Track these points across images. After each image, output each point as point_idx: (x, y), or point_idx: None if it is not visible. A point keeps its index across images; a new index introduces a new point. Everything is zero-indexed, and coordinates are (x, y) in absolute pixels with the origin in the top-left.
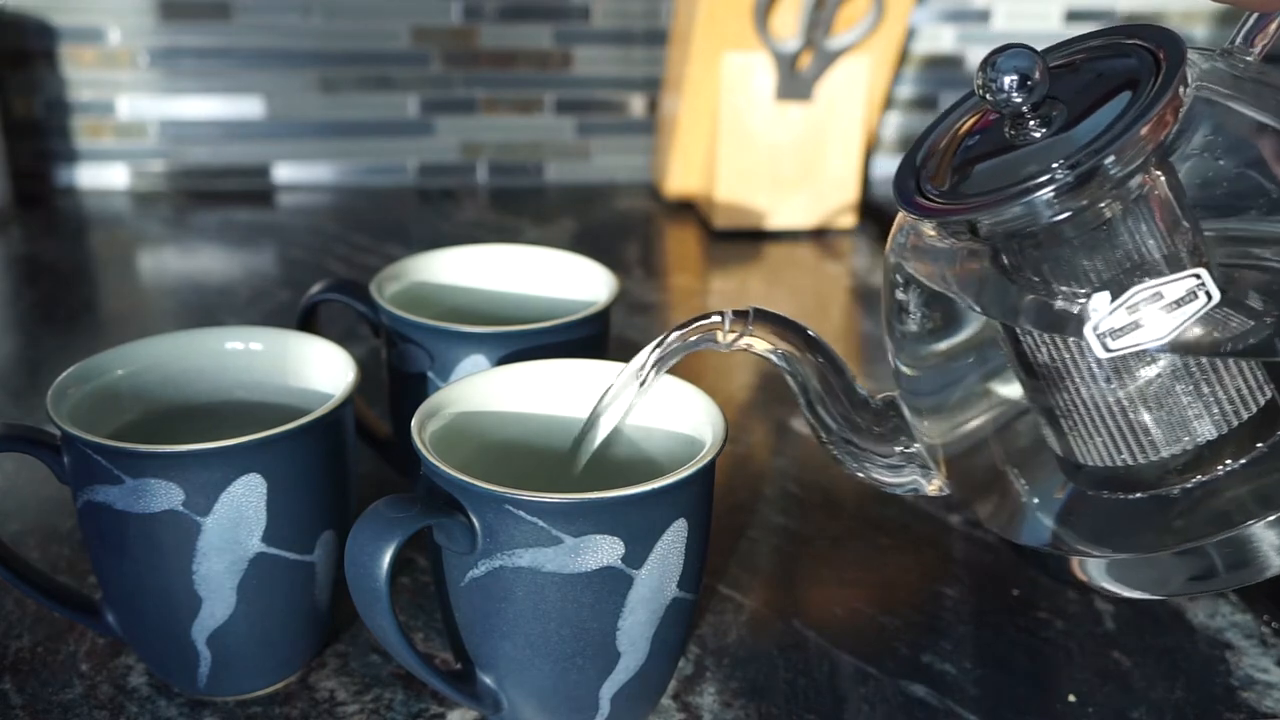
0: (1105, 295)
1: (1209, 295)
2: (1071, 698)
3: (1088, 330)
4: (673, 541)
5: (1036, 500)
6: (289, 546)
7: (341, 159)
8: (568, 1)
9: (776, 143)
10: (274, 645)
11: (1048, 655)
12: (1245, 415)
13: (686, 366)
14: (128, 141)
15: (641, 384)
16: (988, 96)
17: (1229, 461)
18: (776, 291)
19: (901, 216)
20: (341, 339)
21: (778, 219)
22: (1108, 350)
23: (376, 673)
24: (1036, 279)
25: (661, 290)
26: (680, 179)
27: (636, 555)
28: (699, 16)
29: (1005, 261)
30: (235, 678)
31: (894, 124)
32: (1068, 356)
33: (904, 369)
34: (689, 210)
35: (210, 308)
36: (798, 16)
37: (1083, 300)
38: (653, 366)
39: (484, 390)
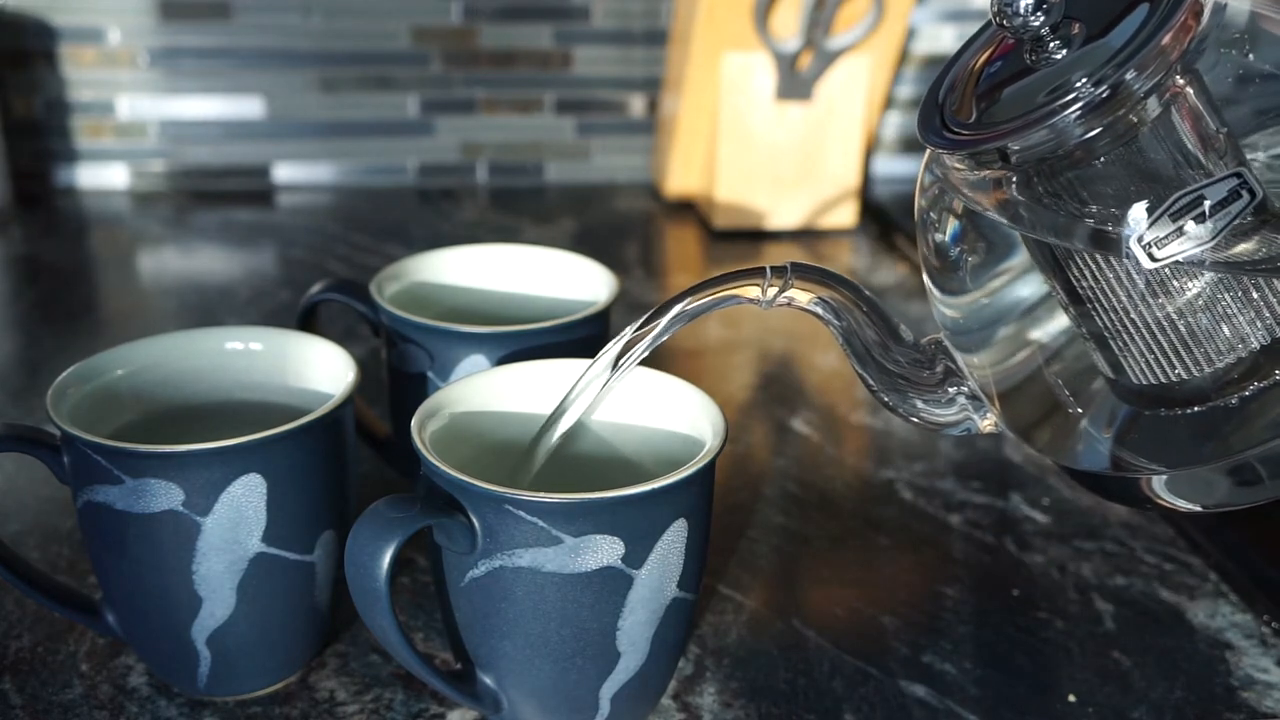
0: (1145, 206)
1: (1251, 193)
2: (1071, 698)
3: (1132, 243)
4: (673, 541)
5: (1092, 424)
6: (289, 546)
7: (341, 159)
8: (568, 1)
9: (776, 143)
10: (274, 645)
11: (1048, 655)
12: None
13: (686, 367)
14: (128, 141)
15: (654, 337)
16: (1004, 23)
17: None
18: None
19: (928, 157)
20: (341, 339)
21: (778, 219)
22: (1154, 260)
23: (376, 673)
24: (1073, 203)
25: (661, 290)
26: (680, 179)
27: (636, 555)
28: (699, 16)
29: (1040, 190)
30: (235, 678)
31: (894, 124)
32: (1112, 275)
33: (947, 311)
34: (689, 210)
35: (210, 308)
36: (798, 16)
37: (1121, 218)
38: (678, 320)
39: (484, 390)
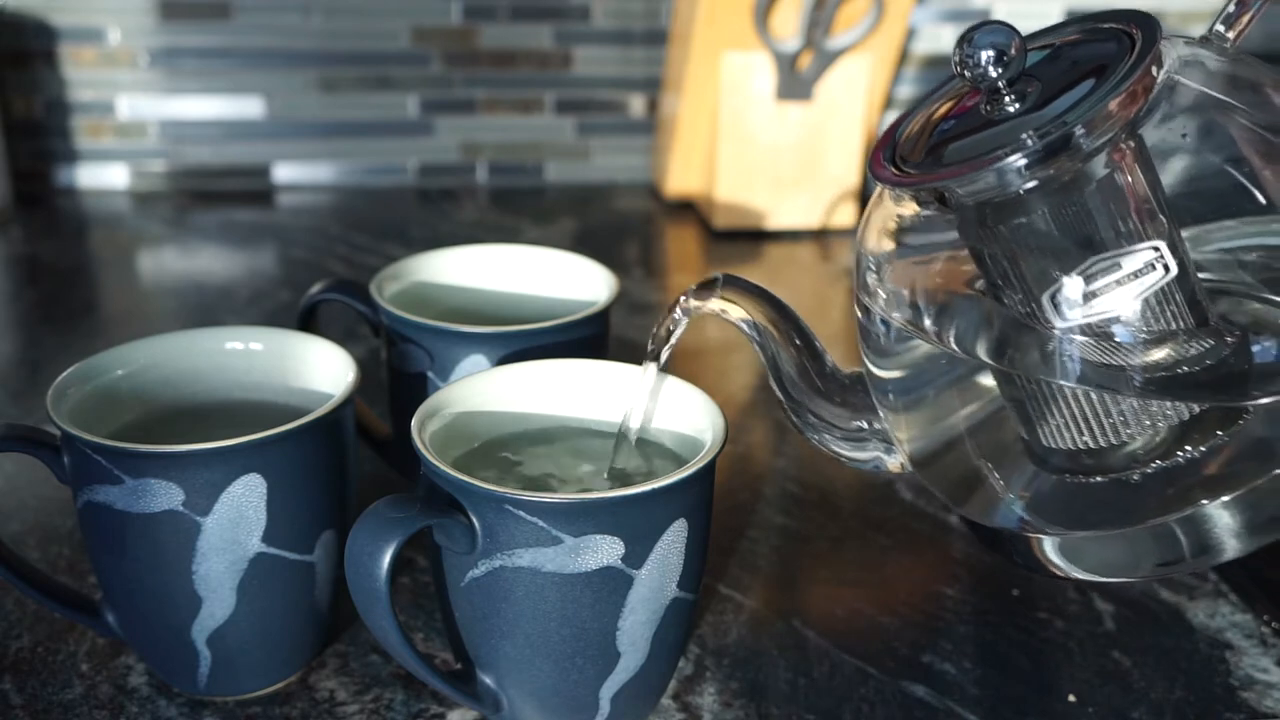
0: (1063, 267)
1: (1166, 268)
2: (1071, 698)
3: (1045, 299)
4: (673, 541)
5: (1002, 481)
6: (289, 546)
7: (341, 159)
8: (568, 1)
9: (776, 143)
10: (274, 645)
11: (1048, 655)
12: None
13: (686, 367)
14: (128, 141)
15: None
16: (965, 72)
17: (1188, 449)
18: (776, 291)
19: (866, 212)
20: (341, 339)
21: (778, 219)
22: (1064, 319)
23: (376, 673)
24: (1004, 260)
25: (661, 290)
26: (680, 179)
27: (636, 555)
28: (699, 16)
29: (976, 245)
30: (235, 678)
31: None
32: (1032, 338)
33: (876, 371)
34: (689, 210)
35: (210, 308)
36: (798, 16)
37: (1042, 282)
38: (654, 363)
39: (484, 390)
